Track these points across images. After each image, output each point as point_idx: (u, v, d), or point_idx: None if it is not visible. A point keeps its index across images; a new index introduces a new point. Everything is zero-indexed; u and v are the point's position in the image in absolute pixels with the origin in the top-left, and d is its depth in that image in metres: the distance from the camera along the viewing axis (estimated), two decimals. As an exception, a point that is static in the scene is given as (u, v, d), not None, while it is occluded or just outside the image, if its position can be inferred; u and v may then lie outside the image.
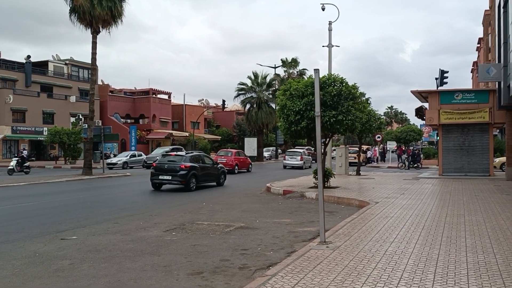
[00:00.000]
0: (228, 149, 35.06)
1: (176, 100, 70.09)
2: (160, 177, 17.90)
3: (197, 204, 13.75)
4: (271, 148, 61.71)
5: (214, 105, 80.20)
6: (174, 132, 63.06)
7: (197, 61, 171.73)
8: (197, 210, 12.37)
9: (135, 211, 12.38)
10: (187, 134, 63.66)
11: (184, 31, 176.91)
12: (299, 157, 35.05)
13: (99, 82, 56.06)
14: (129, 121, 61.12)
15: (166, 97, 66.00)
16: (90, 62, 28.31)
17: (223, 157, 29.78)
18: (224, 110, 68.46)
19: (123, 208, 13.06)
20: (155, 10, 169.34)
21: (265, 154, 55.92)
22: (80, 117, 49.89)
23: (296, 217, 11.23)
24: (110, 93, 59.58)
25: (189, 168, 17.83)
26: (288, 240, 8.45)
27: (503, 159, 26.52)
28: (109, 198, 15.74)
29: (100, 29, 27.29)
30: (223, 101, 56.56)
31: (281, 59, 58.01)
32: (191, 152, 20.00)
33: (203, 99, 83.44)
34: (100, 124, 44.48)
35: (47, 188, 19.42)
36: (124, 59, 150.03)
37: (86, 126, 29.41)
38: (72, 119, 50.69)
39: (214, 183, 20.10)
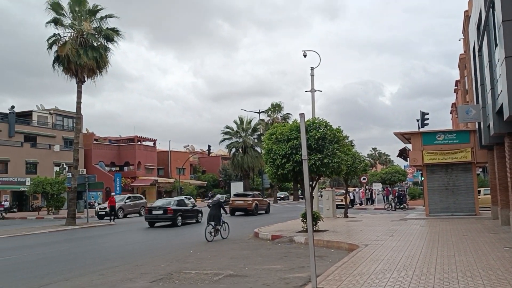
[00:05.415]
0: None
1: (161, 146, 70.07)
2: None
3: (184, 252, 13.45)
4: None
5: (200, 151, 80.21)
6: (159, 179, 62.58)
7: (181, 109, 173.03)
8: (184, 259, 12.08)
9: (120, 261, 12.04)
10: (172, 180, 63.20)
11: (167, 80, 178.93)
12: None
13: (84, 131, 55.93)
14: (113, 169, 60.55)
15: (151, 144, 65.96)
16: (74, 111, 28.36)
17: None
18: (210, 155, 68.45)
19: (108, 258, 12.70)
20: (139, 60, 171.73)
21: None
22: (64, 166, 49.29)
23: (286, 262, 11.03)
24: (94, 141, 59.37)
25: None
26: (279, 287, 8.26)
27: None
28: (94, 249, 15.32)
29: (85, 79, 27.46)
30: (209, 146, 56.71)
31: (268, 107, 58.90)
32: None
33: (188, 145, 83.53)
34: (85, 172, 43.91)
35: (29, 240, 18.86)
36: (108, 108, 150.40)
37: (70, 175, 28.99)
38: (56, 168, 49.95)
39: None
